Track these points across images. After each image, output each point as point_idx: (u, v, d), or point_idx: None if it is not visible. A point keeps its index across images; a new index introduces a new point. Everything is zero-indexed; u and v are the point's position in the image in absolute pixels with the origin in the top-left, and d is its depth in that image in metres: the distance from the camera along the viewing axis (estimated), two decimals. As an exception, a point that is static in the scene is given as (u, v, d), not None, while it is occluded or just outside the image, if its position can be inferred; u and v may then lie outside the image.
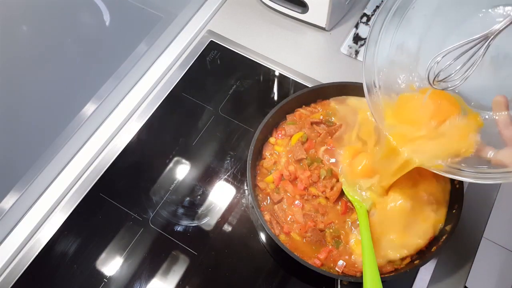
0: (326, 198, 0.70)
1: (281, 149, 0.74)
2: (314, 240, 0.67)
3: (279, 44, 0.92)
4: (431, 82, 0.56)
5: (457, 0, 0.60)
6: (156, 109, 0.85)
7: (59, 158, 0.79)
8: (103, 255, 0.73)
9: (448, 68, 0.54)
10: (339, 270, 0.65)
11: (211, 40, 0.92)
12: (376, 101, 0.63)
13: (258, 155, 0.74)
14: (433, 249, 0.65)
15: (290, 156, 0.73)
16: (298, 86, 0.87)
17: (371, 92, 0.63)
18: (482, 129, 0.57)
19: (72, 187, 0.79)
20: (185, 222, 0.75)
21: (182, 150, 0.82)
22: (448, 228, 0.66)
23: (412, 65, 0.63)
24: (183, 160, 0.81)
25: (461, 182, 0.67)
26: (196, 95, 0.87)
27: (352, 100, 0.77)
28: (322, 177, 0.71)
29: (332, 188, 0.70)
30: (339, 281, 0.62)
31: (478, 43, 0.51)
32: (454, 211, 0.67)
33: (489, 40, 0.50)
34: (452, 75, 0.54)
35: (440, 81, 0.56)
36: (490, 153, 0.54)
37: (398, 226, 0.66)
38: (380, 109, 0.62)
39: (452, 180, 0.70)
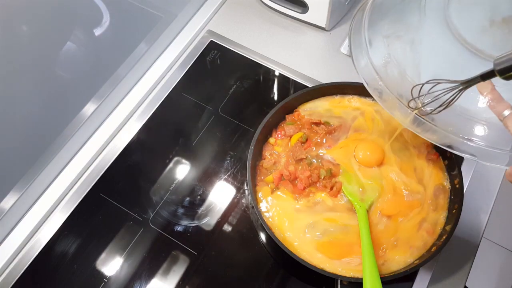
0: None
1: (281, 149, 0.74)
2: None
3: (279, 44, 0.92)
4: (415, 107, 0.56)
5: None
6: (156, 109, 0.85)
7: (59, 158, 0.79)
8: (103, 255, 0.73)
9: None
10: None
11: (211, 40, 0.92)
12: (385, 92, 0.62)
13: (258, 155, 0.74)
14: (433, 249, 0.65)
15: (290, 155, 0.73)
16: (298, 86, 0.86)
17: (371, 86, 0.62)
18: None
19: (72, 187, 0.79)
20: (185, 222, 0.75)
21: (182, 150, 0.82)
22: (448, 228, 0.66)
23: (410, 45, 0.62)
24: (183, 160, 0.81)
25: (461, 182, 0.67)
26: (196, 95, 0.87)
27: (308, 105, 0.78)
28: (322, 177, 0.71)
29: (331, 188, 0.70)
30: (339, 281, 0.62)
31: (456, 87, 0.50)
32: (454, 211, 0.67)
33: (461, 90, 0.50)
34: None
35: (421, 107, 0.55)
36: (505, 112, 0.48)
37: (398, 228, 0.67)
38: (392, 98, 0.61)
39: (452, 180, 0.70)
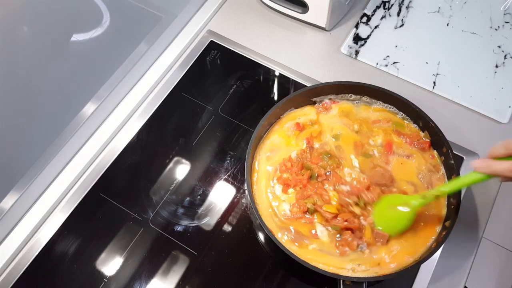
0: None
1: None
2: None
3: (279, 44, 0.92)
4: None
5: None
6: (156, 109, 0.85)
7: (59, 158, 0.79)
8: (103, 255, 0.73)
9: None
10: None
11: (211, 40, 0.92)
12: None
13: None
14: (432, 246, 0.65)
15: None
16: (298, 86, 0.86)
17: None
18: None
19: (72, 187, 0.79)
20: (185, 222, 0.75)
21: (182, 150, 0.82)
22: (447, 224, 0.66)
23: None
24: (183, 160, 0.81)
25: (458, 175, 0.68)
26: (196, 95, 0.87)
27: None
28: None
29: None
30: (341, 281, 0.62)
31: None
32: (452, 206, 0.66)
33: None
34: None
35: None
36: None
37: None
38: None
39: (449, 176, 0.70)
